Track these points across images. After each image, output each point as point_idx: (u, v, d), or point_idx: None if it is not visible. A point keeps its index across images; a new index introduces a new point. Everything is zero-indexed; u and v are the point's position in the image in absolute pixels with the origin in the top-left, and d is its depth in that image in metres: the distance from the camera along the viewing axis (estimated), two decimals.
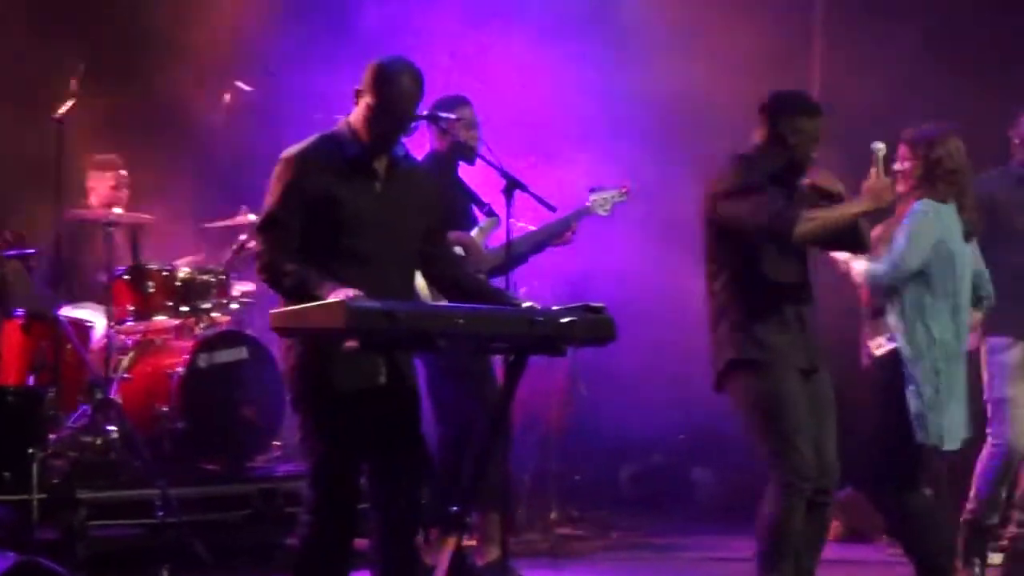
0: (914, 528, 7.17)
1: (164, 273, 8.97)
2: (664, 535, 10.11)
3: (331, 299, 5.23)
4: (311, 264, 5.57)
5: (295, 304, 5.42)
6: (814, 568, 6.68)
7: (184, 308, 8.97)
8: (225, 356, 8.80)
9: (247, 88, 9.91)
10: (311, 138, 5.82)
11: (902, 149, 7.19)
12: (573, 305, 5.71)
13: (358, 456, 5.72)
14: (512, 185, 6.80)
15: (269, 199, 5.71)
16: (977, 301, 7.40)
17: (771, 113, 6.64)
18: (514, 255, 7.25)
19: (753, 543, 6.57)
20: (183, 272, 9.03)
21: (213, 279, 9.14)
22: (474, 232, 7.86)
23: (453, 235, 7.07)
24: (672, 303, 8.57)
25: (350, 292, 5.27)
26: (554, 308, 5.69)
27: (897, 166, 7.11)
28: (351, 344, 5.28)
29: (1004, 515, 8.23)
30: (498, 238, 7.79)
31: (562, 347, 5.69)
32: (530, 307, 5.75)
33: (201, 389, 8.64)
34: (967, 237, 7.21)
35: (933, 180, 7.10)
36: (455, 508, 5.61)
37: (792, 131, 6.57)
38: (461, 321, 5.40)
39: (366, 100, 5.71)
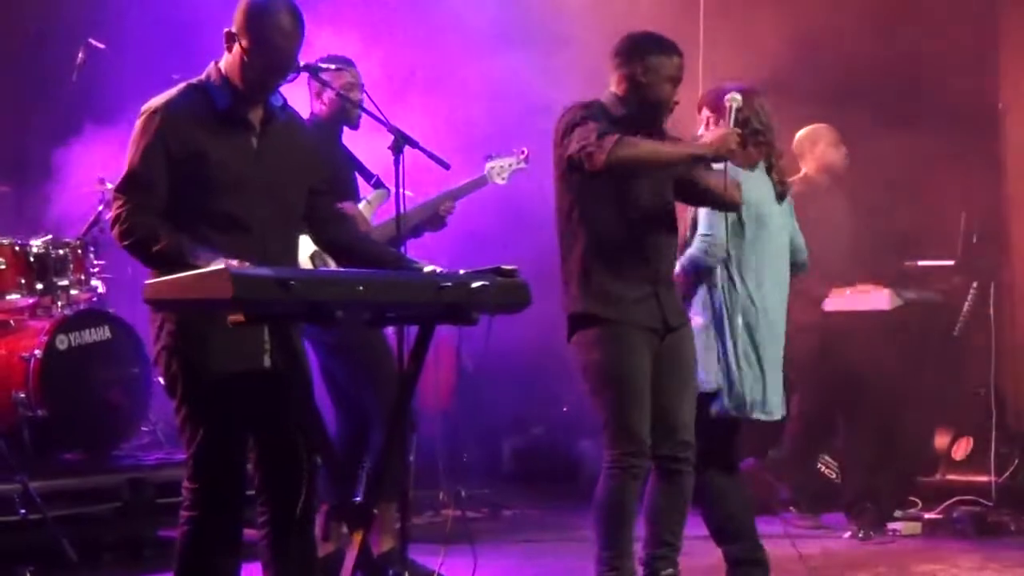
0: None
1: (16, 247, 8.41)
2: (555, 513, 9.84)
3: (214, 266, 4.65)
4: (180, 230, 5.03)
5: (165, 274, 4.87)
6: (677, 540, 6.42)
7: (39, 285, 8.45)
8: (86, 336, 8.29)
9: (100, 45, 9.23)
10: (177, 87, 5.24)
11: (703, 112, 6.78)
12: (482, 268, 5.18)
13: (243, 444, 5.24)
14: (401, 141, 6.23)
15: (130, 156, 5.13)
16: (792, 268, 7.02)
17: (623, 54, 6.28)
18: (406, 227, 6.74)
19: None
20: (37, 246, 8.47)
21: (70, 253, 8.59)
22: (361, 205, 7.30)
23: (338, 206, 6.50)
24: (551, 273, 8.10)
25: (232, 261, 4.72)
26: (462, 272, 5.13)
27: (701, 131, 6.73)
28: (236, 317, 4.70)
29: None
30: (386, 212, 7.36)
31: (474, 315, 5.17)
32: (435, 271, 5.23)
33: (61, 373, 8.14)
34: (779, 198, 6.86)
35: (743, 142, 6.65)
36: (359, 499, 5.04)
37: (644, 70, 6.21)
38: (361, 288, 4.87)
39: (239, 43, 5.14)
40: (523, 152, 8.01)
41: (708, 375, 6.58)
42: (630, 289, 6.18)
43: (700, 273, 6.63)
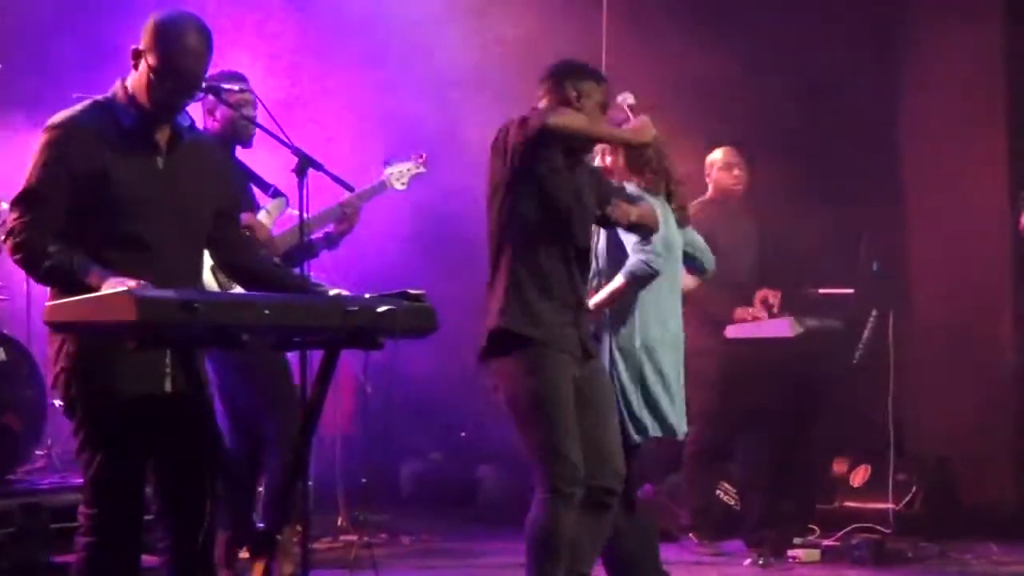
0: None
1: None
2: (455, 539, 9.83)
3: (116, 288, 4.55)
4: (84, 250, 4.90)
5: (61, 292, 4.80)
6: (590, 573, 6.38)
7: None
8: None
9: None
10: (81, 104, 5.12)
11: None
12: (388, 293, 5.10)
13: (142, 468, 5.12)
14: (305, 163, 6.13)
15: (30, 171, 5.00)
16: (699, 268, 7.21)
17: (557, 76, 6.32)
18: (308, 241, 6.65)
19: None
20: None
21: None
22: (260, 215, 7.21)
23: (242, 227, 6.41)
24: (454, 298, 8.06)
25: (130, 281, 4.63)
26: (367, 296, 5.06)
27: (598, 161, 6.82)
28: (132, 344, 4.61)
29: None
30: (285, 223, 7.28)
31: (379, 340, 5.08)
32: (340, 295, 5.15)
33: None
34: (680, 224, 6.95)
35: (641, 169, 6.79)
36: (262, 525, 4.94)
37: (577, 95, 6.25)
38: (268, 312, 4.75)
39: (146, 60, 5.03)
40: (421, 157, 7.96)
41: None
42: (556, 312, 6.12)
43: (642, 282, 6.58)
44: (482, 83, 9.77)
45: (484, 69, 9.84)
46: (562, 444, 6.03)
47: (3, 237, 5.05)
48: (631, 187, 6.61)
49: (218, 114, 7.14)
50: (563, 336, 6.12)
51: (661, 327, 6.71)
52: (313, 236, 7.43)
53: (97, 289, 4.66)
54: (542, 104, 6.29)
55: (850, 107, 9.91)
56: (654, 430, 6.65)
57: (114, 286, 4.60)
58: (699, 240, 7.18)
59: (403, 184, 7.89)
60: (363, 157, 8.74)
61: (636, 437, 6.61)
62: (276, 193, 7.33)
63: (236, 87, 6.93)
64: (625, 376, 6.60)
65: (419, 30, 10.16)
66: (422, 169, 7.96)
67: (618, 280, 6.59)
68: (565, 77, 6.31)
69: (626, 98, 6.49)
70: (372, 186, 7.76)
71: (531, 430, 6.07)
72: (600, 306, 6.59)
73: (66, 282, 4.80)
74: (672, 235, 6.79)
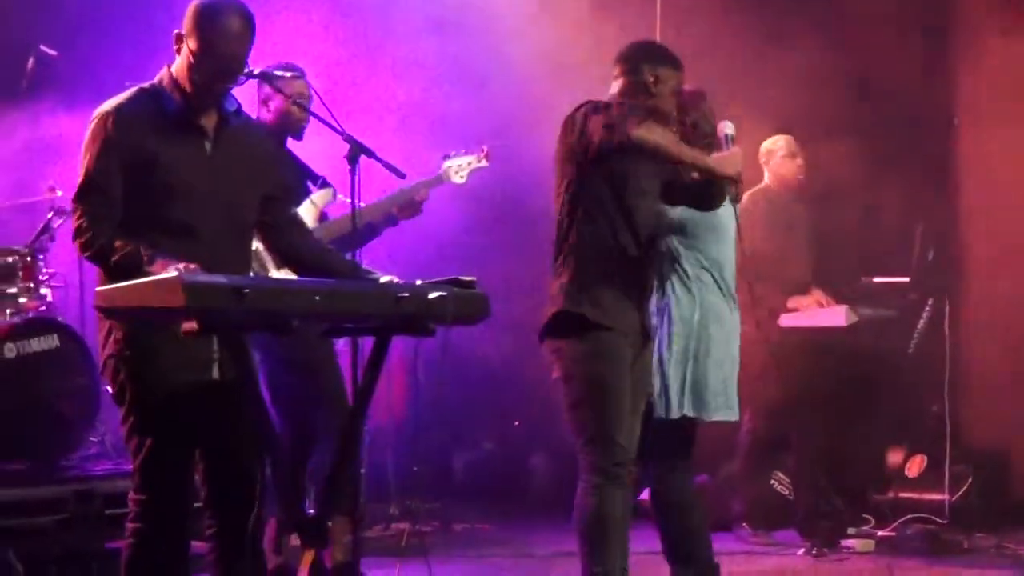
0: None
1: None
2: (505, 528, 9.85)
3: (166, 274, 4.52)
4: (131, 235, 4.91)
5: (112, 278, 4.80)
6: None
7: None
8: (34, 345, 8.08)
9: (52, 52, 9.07)
10: (128, 91, 5.12)
11: None
12: (439, 279, 5.06)
13: (190, 455, 5.12)
14: (356, 151, 6.10)
15: (84, 163, 5.01)
16: None
17: (634, 58, 6.26)
18: (361, 227, 6.59)
19: None
20: None
21: (18, 261, 8.43)
22: (304, 205, 7.16)
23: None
24: (506, 289, 8.01)
25: (191, 266, 4.62)
26: (419, 283, 5.01)
27: None
28: (189, 326, 4.57)
29: None
30: (334, 212, 7.28)
31: (431, 327, 5.05)
32: (392, 282, 5.11)
33: (7, 382, 7.96)
34: (732, 201, 6.69)
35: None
36: (313, 513, 4.91)
37: (656, 78, 6.21)
38: (318, 298, 4.75)
39: (188, 45, 5.02)
40: (483, 150, 7.86)
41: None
42: (620, 297, 6.07)
43: None
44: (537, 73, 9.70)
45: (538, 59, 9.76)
46: (614, 428, 6.03)
47: (73, 235, 5.04)
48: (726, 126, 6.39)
49: (272, 105, 7.11)
50: (625, 320, 6.08)
51: (711, 306, 6.64)
52: (367, 220, 7.43)
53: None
54: (616, 85, 6.25)
55: (903, 97, 9.82)
56: (688, 409, 6.56)
57: (170, 272, 4.58)
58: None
59: (462, 178, 7.80)
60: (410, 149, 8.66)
61: (666, 413, 6.55)
62: (324, 184, 7.29)
63: (289, 74, 6.88)
64: (675, 349, 6.54)
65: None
66: (484, 163, 7.87)
67: None
68: (643, 60, 6.25)
69: (725, 127, 6.26)
70: (428, 179, 7.68)
71: (584, 412, 6.05)
72: None
73: (132, 273, 4.77)
74: (722, 219, 6.67)
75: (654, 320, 6.50)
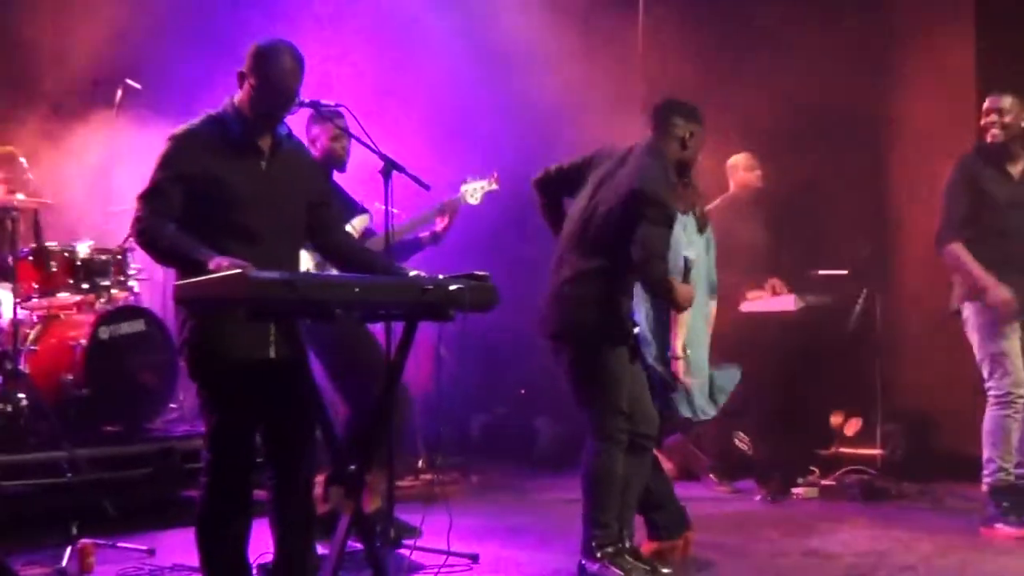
0: None
1: (66, 253, 8.21)
2: (516, 478, 9.81)
3: (227, 268, 4.56)
4: (202, 239, 4.89)
5: (186, 274, 4.78)
6: (635, 503, 6.36)
7: (85, 285, 8.23)
8: (124, 328, 8.09)
9: (136, 85, 9.06)
10: (198, 118, 5.15)
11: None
12: (458, 274, 5.06)
13: (252, 421, 5.12)
14: (390, 167, 6.08)
15: (154, 171, 5.04)
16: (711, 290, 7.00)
17: (672, 113, 6.29)
18: (416, 237, 6.61)
19: None
20: (83, 252, 8.27)
21: (111, 258, 8.38)
22: (346, 228, 7.12)
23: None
24: (514, 284, 7.96)
25: (236, 260, 4.64)
26: (441, 276, 5.01)
27: None
28: (250, 314, 4.59)
29: None
30: (381, 227, 7.08)
31: (451, 313, 5.03)
32: (419, 276, 5.14)
33: (102, 359, 7.93)
34: (700, 231, 6.79)
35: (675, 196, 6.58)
36: (353, 467, 4.90)
37: (690, 134, 6.27)
38: (357, 290, 4.75)
39: (249, 81, 5.05)
40: (494, 175, 7.77)
41: None
42: (626, 311, 6.20)
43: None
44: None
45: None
46: (620, 404, 6.10)
47: (130, 226, 5.05)
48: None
49: (318, 144, 7.03)
50: (628, 330, 6.20)
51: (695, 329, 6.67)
52: (420, 234, 7.48)
53: (205, 265, 4.66)
54: (653, 137, 6.23)
55: (846, 118, 9.79)
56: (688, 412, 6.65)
57: (220, 263, 4.61)
58: (713, 269, 7.00)
59: (476, 200, 7.69)
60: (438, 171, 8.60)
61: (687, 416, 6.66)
62: (362, 211, 7.27)
63: (333, 103, 6.83)
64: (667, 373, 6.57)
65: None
66: (495, 187, 7.75)
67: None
68: (680, 116, 6.26)
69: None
70: (445, 201, 7.59)
71: (597, 396, 6.13)
72: None
73: (180, 259, 4.82)
74: (694, 253, 6.59)
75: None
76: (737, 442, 9.27)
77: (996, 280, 7.32)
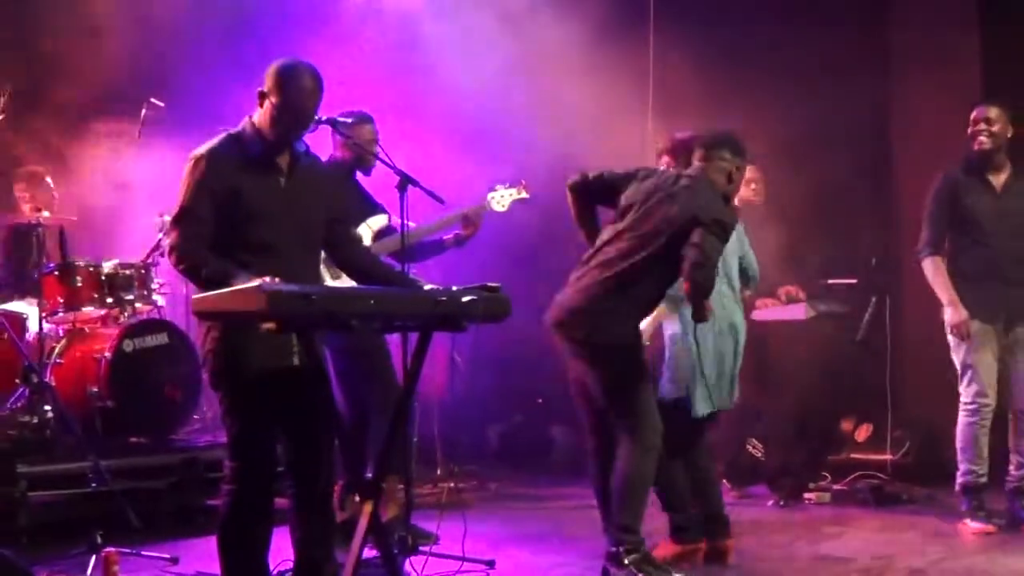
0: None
1: (90, 268, 8.26)
2: (533, 485, 9.73)
3: (249, 284, 4.56)
4: (222, 254, 4.93)
5: (211, 291, 4.77)
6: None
7: (110, 299, 8.29)
8: (148, 341, 8.13)
9: (160, 104, 9.08)
10: (217, 137, 5.16)
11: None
12: (471, 285, 5.05)
13: (273, 429, 5.12)
14: (405, 181, 6.10)
15: (181, 195, 5.03)
16: (747, 280, 7.06)
17: (719, 149, 6.27)
18: (410, 247, 6.58)
19: None
20: (108, 267, 8.32)
21: (135, 273, 8.42)
22: (362, 227, 7.14)
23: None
24: (530, 294, 7.94)
25: (266, 278, 4.61)
26: (454, 288, 5.01)
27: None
28: (269, 325, 4.59)
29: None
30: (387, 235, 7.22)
31: (464, 324, 5.03)
32: (432, 288, 5.13)
33: (127, 371, 7.97)
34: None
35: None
36: (370, 476, 4.90)
37: (736, 168, 6.27)
38: (372, 302, 4.79)
39: (269, 100, 5.05)
40: (523, 184, 7.70)
41: (675, 384, 6.57)
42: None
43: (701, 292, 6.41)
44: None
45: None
46: (652, 405, 6.12)
47: (168, 252, 5.06)
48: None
49: (349, 145, 7.02)
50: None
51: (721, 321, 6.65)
52: (443, 237, 7.45)
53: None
54: (701, 167, 6.22)
55: (853, 133, 9.79)
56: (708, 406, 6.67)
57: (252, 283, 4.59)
58: (753, 259, 7.10)
59: (503, 207, 7.62)
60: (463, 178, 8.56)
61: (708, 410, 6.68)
62: (381, 210, 7.27)
63: (351, 120, 6.85)
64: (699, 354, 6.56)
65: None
66: (525, 195, 7.68)
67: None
68: (728, 151, 6.25)
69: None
70: (472, 207, 7.52)
71: (631, 399, 6.09)
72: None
73: (219, 286, 4.77)
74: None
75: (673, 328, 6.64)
76: (750, 448, 9.24)
77: (957, 300, 7.49)
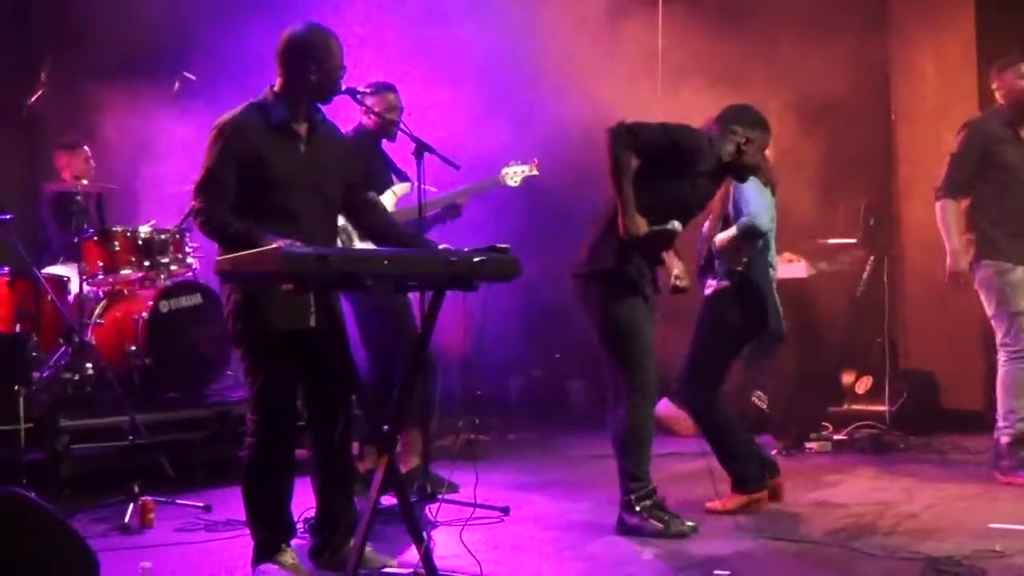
0: (720, 426, 6.64)
1: (128, 234, 8.25)
2: (550, 436, 9.75)
3: (268, 246, 4.53)
4: (244, 218, 4.91)
5: (227, 250, 4.80)
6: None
7: (146, 263, 8.27)
8: (183, 302, 8.13)
9: (192, 77, 9.05)
10: (240, 106, 5.15)
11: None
12: (482, 246, 5.00)
13: (293, 385, 5.14)
14: (421, 148, 6.08)
15: (206, 161, 5.03)
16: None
17: (728, 122, 6.22)
18: (426, 214, 6.55)
19: None
20: (144, 232, 8.31)
21: (170, 237, 8.40)
22: (386, 194, 7.10)
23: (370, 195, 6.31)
24: (541, 258, 7.86)
25: (287, 241, 4.58)
26: (465, 249, 4.97)
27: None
28: (287, 287, 4.56)
29: None
30: (407, 201, 7.14)
31: (475, 283, 4.99)
32: (445, 248, 5.10)
33: (163, 330, 7.97)
34: (773, 191, 6.69)
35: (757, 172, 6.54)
36: (387, 428, 4.87)
37: (746, 140, 6.19)
38: (386, 263, 4.73)
39: (299, 65, 5.04)
40: (535, 162, 7.76)
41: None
42: (642, 267, 6.03)
43: (753, 236, 6.49)
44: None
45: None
46: (646, 357, 6.01)
47: (194, 215, 5.04)
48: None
49: (372, 115, 6.97)
50: (641, 283, 6.03)
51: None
52: (433, 211, 7.37)
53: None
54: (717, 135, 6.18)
55: (852, 101, 9.64)
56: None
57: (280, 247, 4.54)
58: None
59: (516, 182, 7.70)
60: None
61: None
62: (405, 178, 7.23)
63: (370, 90, 6.82)
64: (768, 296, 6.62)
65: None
66: (535, 172, 7.75)
67: (733, 231, 6.52)
68: (743, 124, 6.19)
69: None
70: (486, 180, 7.63)
71: (622, 349, 6.01)
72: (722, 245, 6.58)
73: (245, 246, 4.74)
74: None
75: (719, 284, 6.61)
76: (755, 400, 9.21)
77: (960, 251, 7.27)
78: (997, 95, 7.43)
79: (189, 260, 8.54)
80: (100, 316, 8.07)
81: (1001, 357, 7.22)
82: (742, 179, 6.35)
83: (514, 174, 7.71)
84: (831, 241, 9.41)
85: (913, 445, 8.62)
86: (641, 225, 5.85)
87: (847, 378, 9.40)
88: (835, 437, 8.81)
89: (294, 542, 5.26)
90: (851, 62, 9.42)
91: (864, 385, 9.29)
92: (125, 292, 8.30)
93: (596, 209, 6.19)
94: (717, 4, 9.94)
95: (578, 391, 11.05)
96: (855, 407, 9.20)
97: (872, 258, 9.19)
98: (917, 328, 9.68)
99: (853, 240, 9.35)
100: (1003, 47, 8.54)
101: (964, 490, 7.01)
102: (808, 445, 8.66)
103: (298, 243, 4.60)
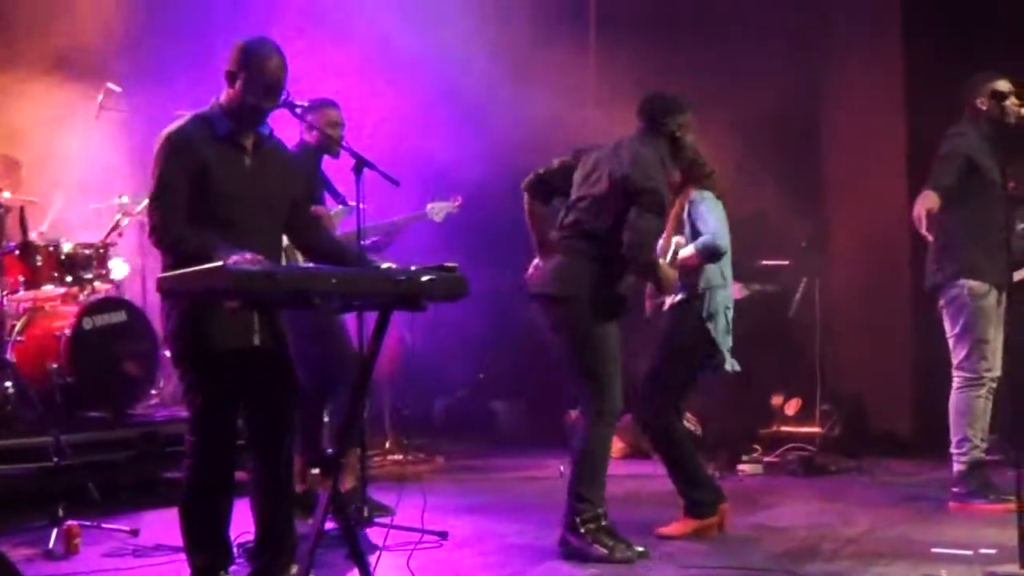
0: (680, 449, 6.56)
1: (50, 248, 8.05)
2: (479, 457, 9.69)
3: (212, 263, 4.38)
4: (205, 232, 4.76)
5: (172, 266, 4.68)
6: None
7: (69, 278, 8.08)
8: (106, 319, 7.93)
9: (117, 88, 8.82)
10: (186, 117, 5.00)
11: None
12: (429, 265, 4.90)
13: (235, 405, 4.98)
14: (361, 164, 5.98)
15: (157, 172, 4.87)
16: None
17: (657, 114, 6.13)
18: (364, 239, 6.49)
19: (555, 462, 6.11)
20: (67, 247, 8.11)
21: (94, 253, 8.21)
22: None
23: (313, 209, 6.20)
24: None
25: (247, 256, 4.45)
26: (413, 268, 4.86)
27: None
28: (232, 304, 4.43)
29: None
30: (348, 225, 7.04)
31: (423, 303, 4.86)
32: (392, 268, 4.96)
33: (86, 348, 7.77)
34: (724, 203, 6.69)
35: (704, 183, 6.57)
36: (331, 451, 4.76)
37: (678, 127, 6.13)
38: (335, 281, 4.59)
39: (241, 75, 4.91)
40: (458, 200, 8.06)
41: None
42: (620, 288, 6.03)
43: (714, 256, 6.45)
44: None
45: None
46: (613, 379, 5.95)
47: (150, 230, 4.90)
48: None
49: (314, 131, 6.83)
50: (617, 308, 6.02)
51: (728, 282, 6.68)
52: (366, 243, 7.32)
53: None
54: (644, 137, 6.07)
55: (785, 127, 9.73)
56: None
57: (238, 262, 4.39)
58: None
59: (439, 218, 8.04)
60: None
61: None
62: (344, 203, 7.17)
63: (307, 103, 6.68)
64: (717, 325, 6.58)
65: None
66: (456, 209, 8.08)
67: (691, 250, 6.45)
68: (667, 114, 6.10)
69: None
70: (415, 214, 7.93)
71: (589, 368, 5.95)
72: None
73: (203, 261, 4.54)
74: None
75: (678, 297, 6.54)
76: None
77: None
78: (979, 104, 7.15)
79: (113, 276, 8.35)
80: (21, 333, 7.85)
81: (956, 382, 7.12)
82: (702, 184, 6.30)
83: (439, 210, 8.01)
84: (765, 263, 9.44)
85: (843, 467, 8.67)
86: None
87: (777, 400, 9.43)
88: (766, 459, 8.82)
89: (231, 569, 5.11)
90: (784, 95, 9.49)
91: (794, 407, 9.32)
92: (47, 308, 8.09)
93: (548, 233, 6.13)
94: (650, 30, 9.95)
95: (502, 412, 11.01)
96: (785, 429, 9.23)
97: (804, 280, 9.23)
98: (847, 350, 9.74)
99: (786, 262, 9.39)
100: (930, 84, 8.67)
101: (899, 514, 7.02)
102: (740, 468, 8.65)
103: (260, 256, 4.47)
